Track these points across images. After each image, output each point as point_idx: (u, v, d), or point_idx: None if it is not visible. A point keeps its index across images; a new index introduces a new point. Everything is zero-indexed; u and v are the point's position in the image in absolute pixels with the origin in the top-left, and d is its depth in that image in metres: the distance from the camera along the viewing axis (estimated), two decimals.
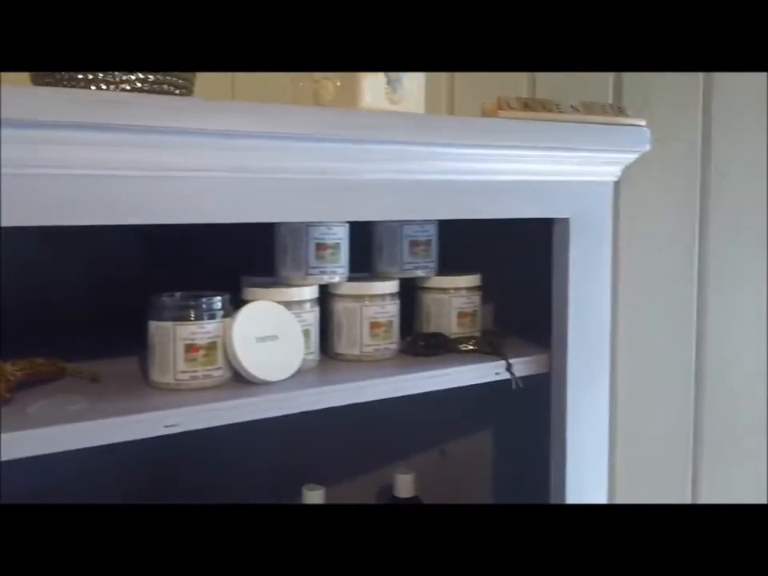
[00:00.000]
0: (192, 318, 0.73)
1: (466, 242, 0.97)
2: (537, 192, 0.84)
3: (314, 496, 0.98)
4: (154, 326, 0.74)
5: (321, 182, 0.72)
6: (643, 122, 0.88)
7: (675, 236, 1.09)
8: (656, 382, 1.10)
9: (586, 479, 0.90)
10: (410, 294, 0.94)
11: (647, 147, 0.89)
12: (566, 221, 0.87)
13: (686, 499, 1.11)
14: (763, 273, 1.07)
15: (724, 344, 1.09)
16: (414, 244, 0.92)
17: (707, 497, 1.10)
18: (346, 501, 1.05)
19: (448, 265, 0.95)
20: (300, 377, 0.78)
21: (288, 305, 0.80)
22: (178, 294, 0.75)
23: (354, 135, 0.72)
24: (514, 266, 0.98)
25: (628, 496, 1.11)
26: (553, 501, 0.88)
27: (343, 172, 0.74)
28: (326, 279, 0.85)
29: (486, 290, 0.97)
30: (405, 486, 1.01)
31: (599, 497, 0.92)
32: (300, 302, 0.82)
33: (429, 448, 1.10)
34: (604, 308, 0.92)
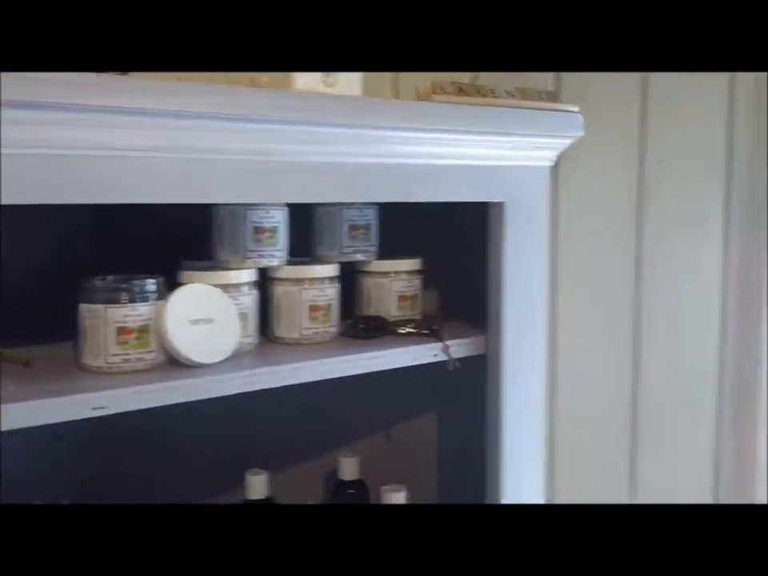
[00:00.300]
0: (124, 301, 0.72)
1: (408, 227, 0.98)
2: (472, 176, 0.86)
3: (256, 481, 0.98)
4: (85, 308, 0.73)
5: (260, 163, 0.73)
6: (576, 108, 0.90)
7: (613, 221, 1.12)
8: (595, 364, 1.13)
9: (522, 456, 0.92)
10: (351, 277, 0.95)
11: (581, 133, 0.91)
12: (501, 205, 0.88)
13: (624, 478, 1.14)
14: (698, 257, 1.11)
15: (661, 326, 1.12)
16: (353, 228, 0.92)
17: (645, 475, 1.13)
18: (291, 485, 1.05)
19: (391, 249, 0.96)
20: (236, 359, 0.78)
21: (225, 288, 0.80)
22: (109, 277, 0.74)
23: (292, 117, 0.73)
24: (456, 249, 1.00)
25: (567, 474, 1.14)
26: (489, 480, 0.90)
27: (281, 154, 0.74)
28: (264, 263, 0.85)
29: (429, 275, 0.98)
30: (349, 469, 1.02)
31: (535, 476, 0.94)
32: (237, 285, 0.82)
33: (375, 432, 1.11)
34: (539, 290, 0.94)
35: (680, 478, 1.12)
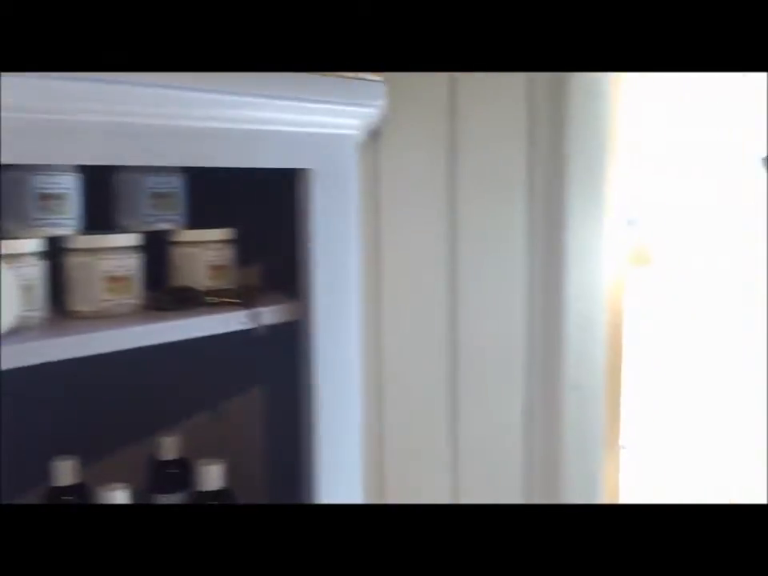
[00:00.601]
0: None
1: (225, 195, 0.96)
2: (277, 142, 0.85)
3: (64, 467, 0.93)
4: None
5: (43, 122, 0.68)
6: (378, 78, 0.92)
7: (430, 192, 1.16)
8: (418, 326, 1.17)
9: (338, 423, 0.93)
10: (163, 248, 0.92)
11: (383, 101, 0.93)
12: (309, 172, 0.88)
13: (444, 430, 1.19)
14: (506, 223, 1.17)
15: (476, 291, 1.18)
16: (156, 196, 0.89)
17: (466, 424, 1.19)
18: (107, 470, 1.00)
19: (208, 218, 0.94)
20: (14, 334, 0.73)
21: (5, 258, 0.74)
22: None
23: (79, 73, 0.68)
24: (272, 218, 0.99)
25: (394, 435, 1.17)
26: (304, 452, 0.91)
27: (68, 112, 0.70)
28: (52, 231, 0.80)
29: (248, 244, 0.96)
30: (168, 447, 0.99)
31: (352, 438, 0.96)
32: (19, 256, 0.76)
33: (200, 409, 1.09)
34: (352, 258, 0.95)
35: (494, 441, 1.19)
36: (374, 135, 1.11)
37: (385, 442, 1.18)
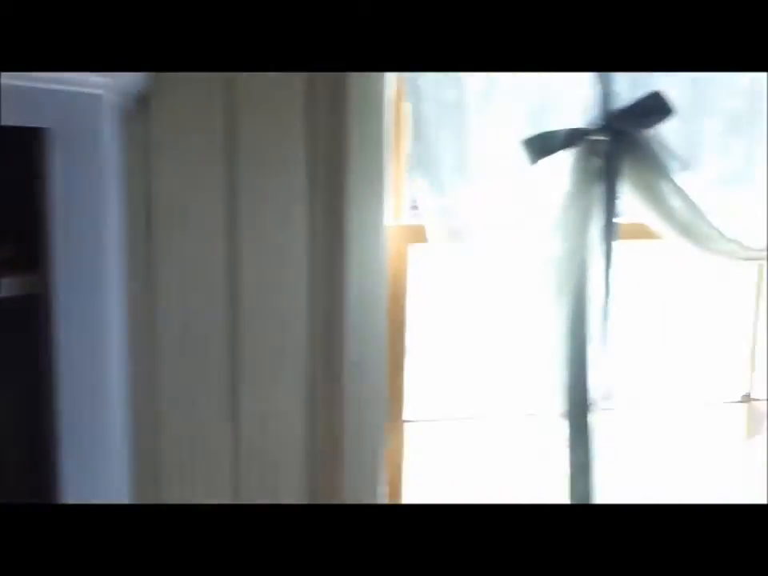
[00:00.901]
0: None
1: None
2: (8, 97, 0.78)
3: None
4: None
5: None
6: None
7: (207, 170, 1.13)
8: (195, 304, 1.14)
9: (92, 401, 0.88)
10: None
11: None
12: (47, 131, 0.82)
13: (224, 409, 1.16)
14: (288, 206, 1.17)
15: (257, 268, 1.17)
16: None
17: (247, 403, 1.17)
18: None
19: None
20: None
21: None
22: None
23: None
24: (18, 183, 0.91)
25: (171, 418, 1.13)
26: (48, 434, 0.84)
27: None
28: None
29: None
30: None
31: (111, 424, 0.90)
32: None
33: None
34: (107, 227, 0.90)
35: (277, 419, 1.18)
36: (143, 102, 1.06)
37: (161, 427, 1.13)
